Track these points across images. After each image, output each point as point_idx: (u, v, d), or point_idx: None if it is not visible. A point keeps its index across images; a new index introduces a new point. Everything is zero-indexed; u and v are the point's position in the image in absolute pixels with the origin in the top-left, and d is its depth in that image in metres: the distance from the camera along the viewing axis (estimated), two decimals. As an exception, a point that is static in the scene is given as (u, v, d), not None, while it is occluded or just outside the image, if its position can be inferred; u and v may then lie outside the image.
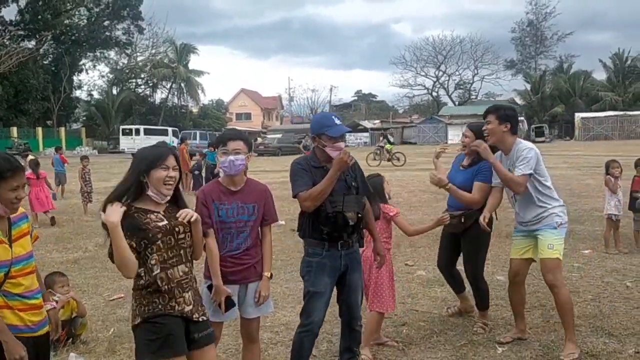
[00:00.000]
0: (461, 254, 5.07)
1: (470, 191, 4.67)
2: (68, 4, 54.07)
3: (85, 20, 57.29)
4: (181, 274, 2.95)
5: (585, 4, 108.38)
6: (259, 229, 3.67)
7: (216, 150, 3.65)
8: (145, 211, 2.92)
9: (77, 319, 4.81)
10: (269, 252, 3.67)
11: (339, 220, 3.61)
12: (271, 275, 3.68)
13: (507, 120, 4.38)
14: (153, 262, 2.87)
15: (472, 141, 4.62)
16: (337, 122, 3.75)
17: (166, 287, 2.89)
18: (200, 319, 2.99)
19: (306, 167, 3.69)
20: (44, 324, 2.96)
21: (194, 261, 3.09)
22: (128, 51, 61.72)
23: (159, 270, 2.88)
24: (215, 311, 3.47)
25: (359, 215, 3.72)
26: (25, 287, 2.83)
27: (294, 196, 3.69)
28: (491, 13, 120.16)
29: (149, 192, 2.93)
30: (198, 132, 43.91)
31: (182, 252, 2.97)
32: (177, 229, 2.95)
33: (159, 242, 2.88)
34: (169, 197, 2.98)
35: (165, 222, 2.93)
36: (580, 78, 59.85)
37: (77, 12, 56.83)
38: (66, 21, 54.29)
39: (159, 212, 2.95)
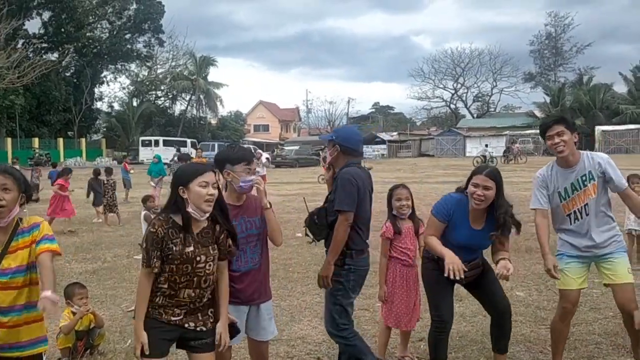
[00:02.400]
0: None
1: (476, 248, 4.03)
2: (91, 17, 55.16)
3: (107, 33, 58.32)
4: (185, 296, 3.01)
5: (605, 16, 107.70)
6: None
7: (221, 168, 3.61)
8: (179, 229, 2.97)
9: (95, 329, 4.83)
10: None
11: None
12: None
13: (576, 130, 4.00)
14: (162, 279, 2.97)
15: (492, 194, 3.77)
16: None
17: (166, 301, 2.99)
18: (199, 329, 3.07)
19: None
20: (22, 346, 2.96)
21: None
22: (149, 63, 62.57)
23: (165, 286, 2.98)
24: None
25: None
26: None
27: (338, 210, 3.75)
28: (510, 26, 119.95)
29: (189, 209, 2.98)
30: (216, 144, 44.21)
31: (195, 278, 3.01)
32: (199, 257, 2.99)
33: (174, 266, 2.95)
34: (208, 215, 3.02)
35: (192, 248, 2.97)
36: (600, 91, 59.17)
37: (99, 25, 57.99)
38: (88, 34, 55.29)
39: (190, 235, 2.99)
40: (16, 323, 2.94)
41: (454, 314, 4.13)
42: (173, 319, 3.01)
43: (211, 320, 3.13)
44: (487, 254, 4.12)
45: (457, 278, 3.70)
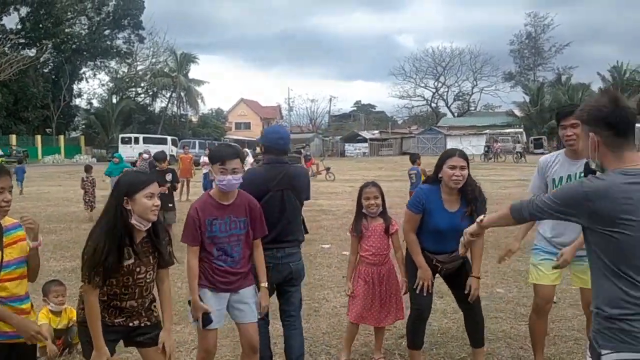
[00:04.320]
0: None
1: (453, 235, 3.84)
2: (69, 13, 54.36)
3: (86, 29, 57.52)
4: (127, 306, 3.02)
5: (583, 18, 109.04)
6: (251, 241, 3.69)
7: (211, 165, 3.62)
8: (112, 240, 2.91)
9: (73, 328, 4.77)
10: (263, 262, 3.70)
11: None
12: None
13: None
14: (101, 292, 2.94)
15: (467, 171, 3.90)
16: None
17: (109, 307, 2.99)
18: (143, 324, 3.09)
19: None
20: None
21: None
22: (128, 60, 61.90)
23: (105, 298, 2.96)
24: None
25: None
26: (10, 292, 2.88)
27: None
28: (491, 25, 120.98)
29: (133, 220, 2.92)
30: (197, 141, 43.92)
31: (137, 290, 3.01)
32: (138, 269, 2.98)
33: (114, 279, 2.93)
34: (150, 224, 2.99)
35: (132, 260, 2.95)
36: (578, 90, 59.98)
37: (78, 21, 57.16)
38: (67, 30, 54.48)
39: (130, 247, 2.95)
40: (29, 309, 3.05)
41: (431, 303, 4.22)
42: (117, 320, 3.03)
43: (155, 314, 3.16)
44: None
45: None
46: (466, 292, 4.01)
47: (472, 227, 2.92)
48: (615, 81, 60.29)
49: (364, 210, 4.48)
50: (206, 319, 3.49)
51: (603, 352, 2.15)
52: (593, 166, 2.35)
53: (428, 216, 4.00)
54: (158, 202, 2.97)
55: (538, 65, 75.11)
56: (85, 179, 13.49)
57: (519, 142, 46.27)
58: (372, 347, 4.66)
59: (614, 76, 61.58)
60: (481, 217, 2.89)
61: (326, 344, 4.85)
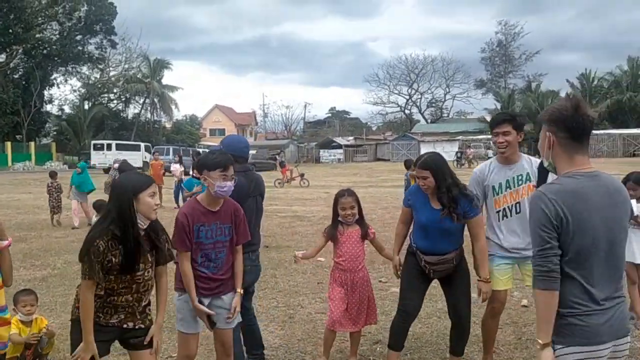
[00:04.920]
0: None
1: (437, 232, 4.09)
2: (40, 18, 53.45)
3: (57, 35, 56.61)
4: (123, 300, 3.07)
5: (553, 26, 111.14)
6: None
7: (200, 172, 3.63)
8: (119, 240, 2.97)
9: (43, 338, 4.69)
10: (241, 269, 3.74)
11: None
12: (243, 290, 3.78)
13: (522, 130, 4.14)
14: (99, 287, 2.99)
15: (431, 180, 4.01)
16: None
17: (104, 305, 3.03)
18: (137, 327, 3.14)
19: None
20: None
21: None
22: (101, 66, 61.14)
23: (102, 292, 3.01)
24: (183, 322, 3.61)
25: None
26: None
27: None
28: (463, 33, 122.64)
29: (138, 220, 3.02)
30: (171, 148, 43.56)
31: (134, 285, 3.07)
32: (137, 266, 3.03)
33: (112, 276, 2.99)
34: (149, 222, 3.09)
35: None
36: (548, 97, 61.03)
37: (49, 26, 56.20)
38: (38, 35, 53.55)
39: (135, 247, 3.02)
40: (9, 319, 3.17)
41: (419, 306, 4.25)
42: (112, 321, 3.07)
43: (149, 318, 3.20)
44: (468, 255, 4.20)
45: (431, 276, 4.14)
46: (476, 296, 4.12)
47: (545, 356, 2.34)
48: (584, 88, 61.59)
49: (340, 219, 4.49)
50: (211, 320, 3.55)
51: (556, 347, 2.30)
52: (546, 164, 2.50)
53: (414, 211, 4.20)
54: (159, 201, 3.10)
55: (509, 72, 76.32)
56: (50, 185, 13.62)
57: (489, 148, 46.80)
58: (347, 354, 4.67)
59: (583, 83, 62.87)
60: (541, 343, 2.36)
61: (301, 351, 4.85)
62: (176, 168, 18.15)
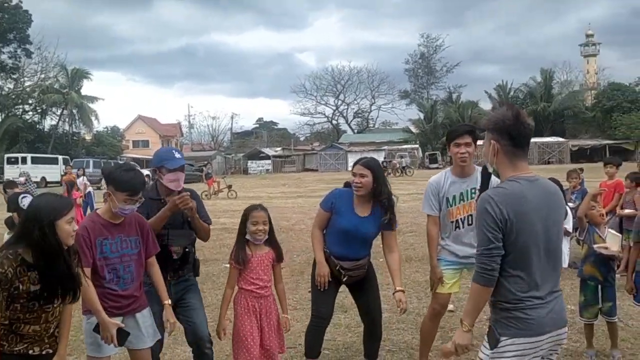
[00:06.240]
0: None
1: (358, 240, 4.15)
2: (-53, 25, 50.36)
3: (-34, 43, 53.49)
4: (30, 331, 2.82)
5: (472, 40, 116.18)
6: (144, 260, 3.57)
7: (107, 185, 3.44)
8: (28, 267, 2.72)
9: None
10: (162, 280, 3.62)
11: (163, 254, 3.71)
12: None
13: (476, 144, 4.01)
14: (4, 314, 2.73)
15: (369, 180, 4.03)
16: (177, 155, 3.98)
17: (7, 335, 2.77)
18: (44, 352, 2.90)
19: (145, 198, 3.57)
20: None
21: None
22: (14, 76, 58.09)
23: (6, 322, 2.74)
24: (93, 346, 3.36)
25: (186, 249, 3.89)
26: None
27: None
28: (388, 46, 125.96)
29: None
30: (92, 160, 41.95)
31: (43, 315, 2.83)
32: (55, 299, 2.83)
33: (18, 305, 2.73)
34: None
35: (39, 286, 2.75)
36: (468, 107, 63.47)
37: (-44, 34, 53.00)
38: (-56, 42, 50.44)
39: (37, 272, 2.75)
40: None
41: (332, 311, 4.27)
42: (16, 349, 2.81)
43: (58, 342, 2.96)
44: (375, 259, 4.21)
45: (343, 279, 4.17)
46: (398, 307, 4.10)
47: (464, 337, 2.59)
48: (501, 99, 64.43)
49: (247, 237, 3.90)
50: (122, 334, 3.27)
51: (502, 338, 2.47)
52: (490, 170, 2.65)
53: (337, 216, 4.15)
54: (76, 226, 2.88)
55: (431, 84, 78.85)
56: None
57: (402, 158, 47.78)
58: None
59: (500, 94, 65.83)
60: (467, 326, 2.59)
61: None
62: (83, 182, 17.15)
